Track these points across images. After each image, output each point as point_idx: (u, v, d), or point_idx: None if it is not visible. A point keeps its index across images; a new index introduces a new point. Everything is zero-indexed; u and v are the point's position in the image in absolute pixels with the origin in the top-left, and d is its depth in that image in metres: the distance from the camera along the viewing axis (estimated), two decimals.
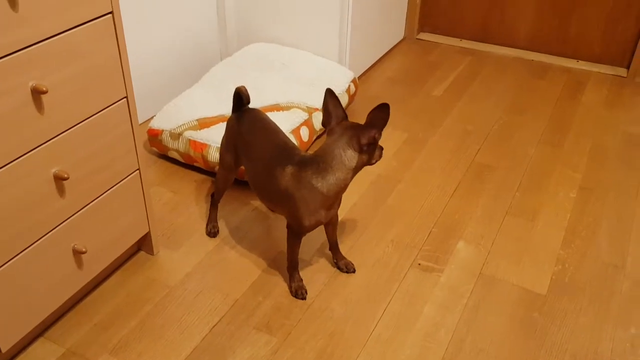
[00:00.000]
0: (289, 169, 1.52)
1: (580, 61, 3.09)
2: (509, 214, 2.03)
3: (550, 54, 3.15)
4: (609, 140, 2.46)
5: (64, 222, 1.44)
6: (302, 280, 1.71)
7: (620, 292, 1.73)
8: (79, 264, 1.53)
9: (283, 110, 2.23)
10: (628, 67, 2.97)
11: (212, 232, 1.90)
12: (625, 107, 2.72)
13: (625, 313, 1.66)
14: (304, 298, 1.68)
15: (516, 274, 1.78)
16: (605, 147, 2.41)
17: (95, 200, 1.52)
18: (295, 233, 1.62)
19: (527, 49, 3.19)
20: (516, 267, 1.81)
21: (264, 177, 1.60)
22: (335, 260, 1.79)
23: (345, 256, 1.80)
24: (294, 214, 1.56)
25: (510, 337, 1.58)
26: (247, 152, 1.67)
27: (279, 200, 1.59)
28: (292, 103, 2.28)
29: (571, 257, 1.85)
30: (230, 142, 1.73)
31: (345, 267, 1.78)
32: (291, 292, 1.70)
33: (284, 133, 1.68)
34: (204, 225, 1.94)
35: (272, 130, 1.66)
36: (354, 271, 1.77)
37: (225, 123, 2.15)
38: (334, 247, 1.78)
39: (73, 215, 1.46)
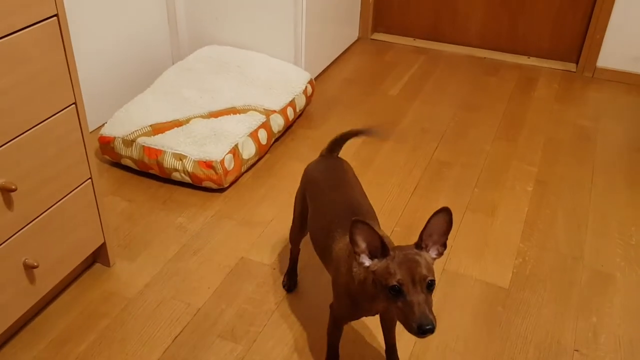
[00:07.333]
0: (346, 239, 1.27)
1: (530, 57, 3.16)
2: (469, 210, 2.05)
3: (501, 51, 3.21)
4: (561, 134, 2.51)
5: (13, 236, 1.37)
6: None
7: (579, 283, 1.76)
8: (31, 279, 1.45)
9: (240, 114, 2.19)
10: (577, 62, 3.05)
11: (287, 285, 1.70)
12: (576, 102, 2.79)
13: (585, 303, 1.69)
14: None
15: (478, 269, 1.80)
16: (558, 140, 2.47)
17: (46, 212, 1.45)
18: (332, 315, 1.38)
19: (478, 47, 3.24)
20: (478, 262, 1.82)
21: (322, 234, 1.38)
22: None
23: (304, 267, 1.74)
24: (333, 290, 1.36)
25: (475, 332, 1.59)
26: (315, 200, 1.45)
27: (328, 265, 1.38)
28: (249, 106, 2.24)
29: (531, 250, 1.88)
30: (301, 187, 1.54)
31: None
32: None
33: (364, 193, 1.47)
34: (161, 234, 1.89)
35: (350, 185, 1.46)
36: None
37: (179, 128, 2.11)
38: (388, 349, 1.48)
39: (23, 228, 1.39)
